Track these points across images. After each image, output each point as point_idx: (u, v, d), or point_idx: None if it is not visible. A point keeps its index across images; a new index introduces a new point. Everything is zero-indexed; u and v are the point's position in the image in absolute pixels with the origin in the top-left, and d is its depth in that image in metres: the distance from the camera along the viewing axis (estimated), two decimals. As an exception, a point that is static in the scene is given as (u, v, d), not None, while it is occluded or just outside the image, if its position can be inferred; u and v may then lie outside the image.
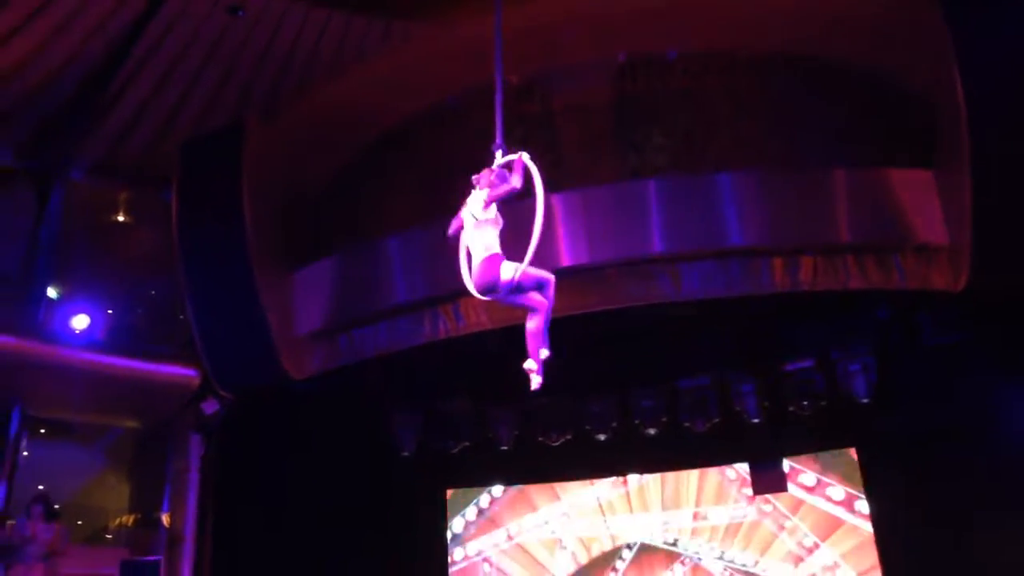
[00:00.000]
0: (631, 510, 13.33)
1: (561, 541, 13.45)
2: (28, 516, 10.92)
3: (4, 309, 11.95)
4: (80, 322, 12.09)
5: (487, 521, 13.75)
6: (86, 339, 12.06)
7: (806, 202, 10.07)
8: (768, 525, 12.65)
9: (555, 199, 9.96)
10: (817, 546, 12.31)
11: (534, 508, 13.68)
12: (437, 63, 11.33)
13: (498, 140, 6.15)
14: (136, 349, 12.51)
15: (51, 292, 12.86)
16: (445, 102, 11.99)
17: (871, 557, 11.92)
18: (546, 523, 13.56)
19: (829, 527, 12.32)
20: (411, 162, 12.12)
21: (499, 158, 6.07)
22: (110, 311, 13.11)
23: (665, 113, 11.27)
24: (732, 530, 12.82)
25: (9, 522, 11.16)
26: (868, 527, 12.03)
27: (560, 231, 10.16)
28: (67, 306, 12.42)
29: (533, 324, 5.77)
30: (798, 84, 11.14)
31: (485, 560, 13.63)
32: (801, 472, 12.61)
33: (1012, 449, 10.32)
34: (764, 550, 12.59)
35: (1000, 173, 9.07)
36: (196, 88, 11.91)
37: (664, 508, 13.19)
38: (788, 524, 12.55)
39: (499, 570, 13.53)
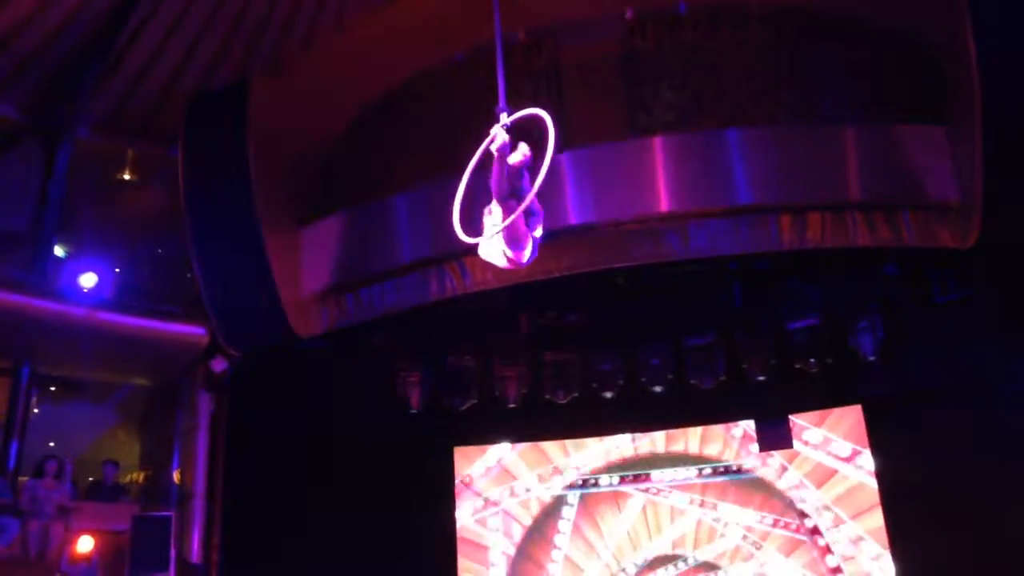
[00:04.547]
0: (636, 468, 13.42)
1: (567, 498, 13.56)
2: (42, 475, 11.00)
3: (12, 267, 11.94)
4: (88, 280, 12.05)
5: (494, 480, 13.85)
6: (94, 297, 12.01)
7: (816, 159, 10.02)
8: (773, 482, 12.73)
9: (563, 156, 9.93)
10: (824, 505, 12.40)
11: (536, 469, 13.78)
12: (445, 19, 11.19)
13: (501, 103, 5.47)
14: (144, 307, 12.47)
15: (59, 250, 12.84)
16: (453, 58, 11.89)
17: (876, 514, 12.03)
18: (550, 482, 13.66)
19: (834, 484, 12.41)
20: (419, 119, 12.01)
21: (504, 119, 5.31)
22: (118, 269, 13.09)
23: (674, 68, 11.14)
24: (736, 489, 12.92)
25: (21, 478, 11.24)
26: (873, 483, 12.10)
27: (568, 189, 10.14)
28: (75, 264, 12.37)
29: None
30: (810, 39, 11.00)
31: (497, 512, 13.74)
32: (806, 428, 12.67)
33: (1019, 406, 10.33)
34: (769, 508, 12.68)
35: (1011, 130, 8.99)
36: (201, 43, 11.79)
37: (671, 465, 13.26)
38: (793, 481, 12.62)
39: (505, 528, 13.65)
